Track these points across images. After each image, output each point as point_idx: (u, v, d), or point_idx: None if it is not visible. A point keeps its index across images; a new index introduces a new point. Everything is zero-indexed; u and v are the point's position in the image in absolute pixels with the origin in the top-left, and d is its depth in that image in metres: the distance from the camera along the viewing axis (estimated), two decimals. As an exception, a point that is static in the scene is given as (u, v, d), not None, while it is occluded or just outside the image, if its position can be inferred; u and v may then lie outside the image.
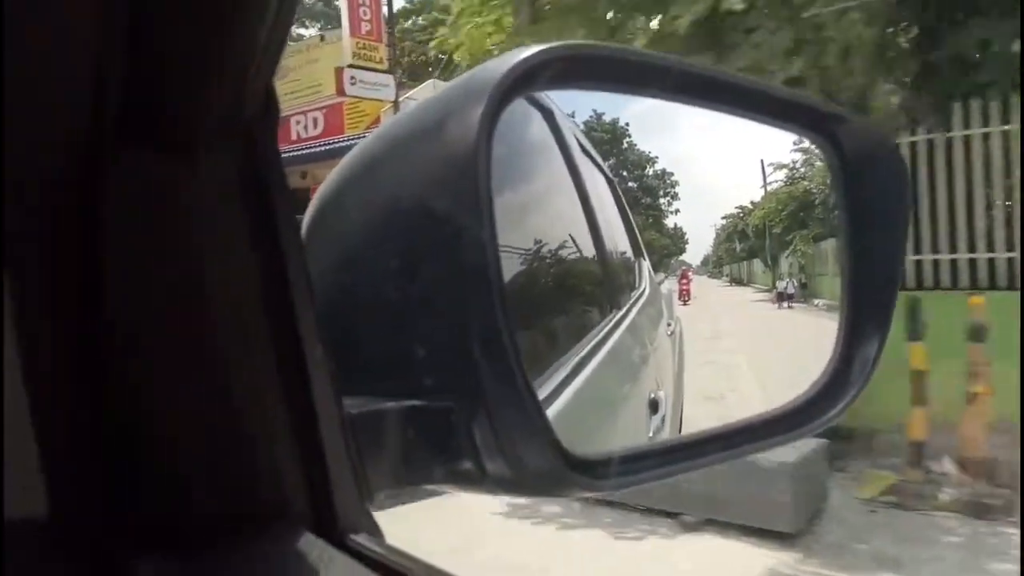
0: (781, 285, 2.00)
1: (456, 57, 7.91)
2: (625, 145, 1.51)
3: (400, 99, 12.99)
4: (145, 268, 0.33)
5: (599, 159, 1.32)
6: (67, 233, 0.31)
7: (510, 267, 0.67)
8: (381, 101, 12.86)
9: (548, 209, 1.03)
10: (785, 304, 2.04)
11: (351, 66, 12.65)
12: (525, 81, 0.46)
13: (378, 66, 13.01)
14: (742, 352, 1.52)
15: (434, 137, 0.47)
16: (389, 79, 13.03)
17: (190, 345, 0.34)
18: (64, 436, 0.33)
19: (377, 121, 12.88)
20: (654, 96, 0.56)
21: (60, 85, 0.29)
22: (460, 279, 0.45)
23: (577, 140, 1.20)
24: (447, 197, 0.46)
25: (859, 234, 0.61)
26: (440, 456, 0.46)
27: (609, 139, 1.43)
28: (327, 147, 13.10)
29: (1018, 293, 4.54)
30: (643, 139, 1.20)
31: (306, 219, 0.52)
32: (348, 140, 13.07)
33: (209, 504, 0.35)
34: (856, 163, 0.60)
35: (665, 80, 0.51)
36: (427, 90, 13.87)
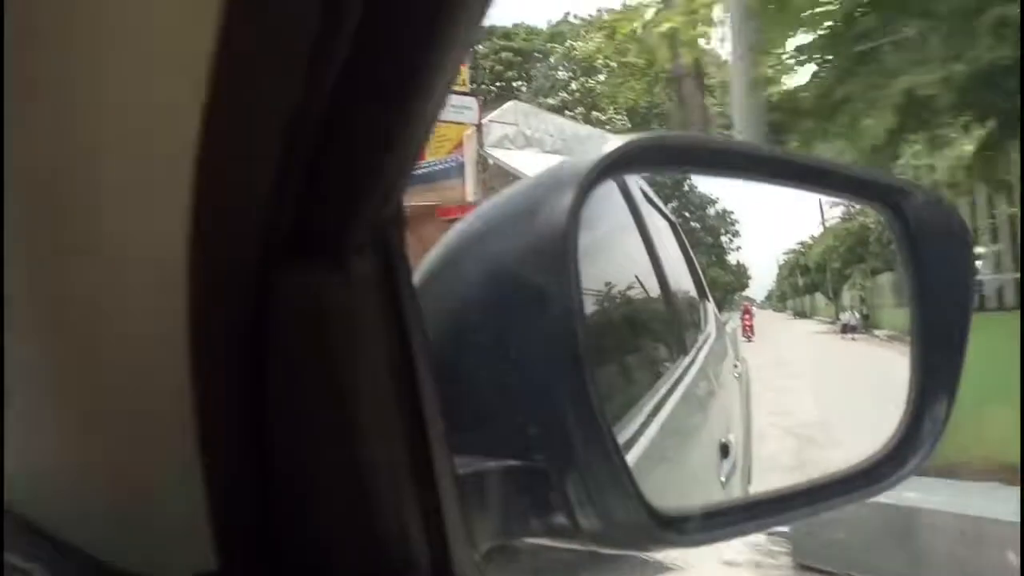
0: (844, 317, 1.99)
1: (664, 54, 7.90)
2: (686, 188, 1.53)
3: (483, 121, 12.29)
4: (300, 359, 0.37)
5: (661, 204, 1.35)
6: (245, 331, 0.36)
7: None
8: (464, 124, 12.06)
9: (614, 256, 1.05)
10: (849, 336, 2.03)
11: (434, 89, 12.25)
12: (611, 169, 0.50)
13: (461, 88, 12.03)
14: (807, 379, 1.53)
15: (530, 219, 0.51)
16: (472, 101, 12.20)
17: (336, 420, 0.39)
18: (228, 499, 0.38)
19: (459, 146, 12.23)
20: (729, 177, 0.59)
21: (250, 212, 0.35)
22: (554, 349, 0.49)
23: (639, 186, 1.23)
24: (541, 273, 0.50)
25: (926, 301, 0.62)
26: (537, 512, 0.49)
27: (672, 183, 1.45)
28: (406, 175, 12.97)
29: None
30: (703, 180, 1.22)
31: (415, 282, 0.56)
32: (429, 167, 12.29)
33: (348, 561, 0.39)
34: (921, 234, 0.62)
35: (735, 162, 0.54)
36: (509, 112, 13.23)
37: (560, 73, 28.55)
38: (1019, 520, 3.14)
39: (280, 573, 0.38)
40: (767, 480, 1.27)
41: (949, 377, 0.61)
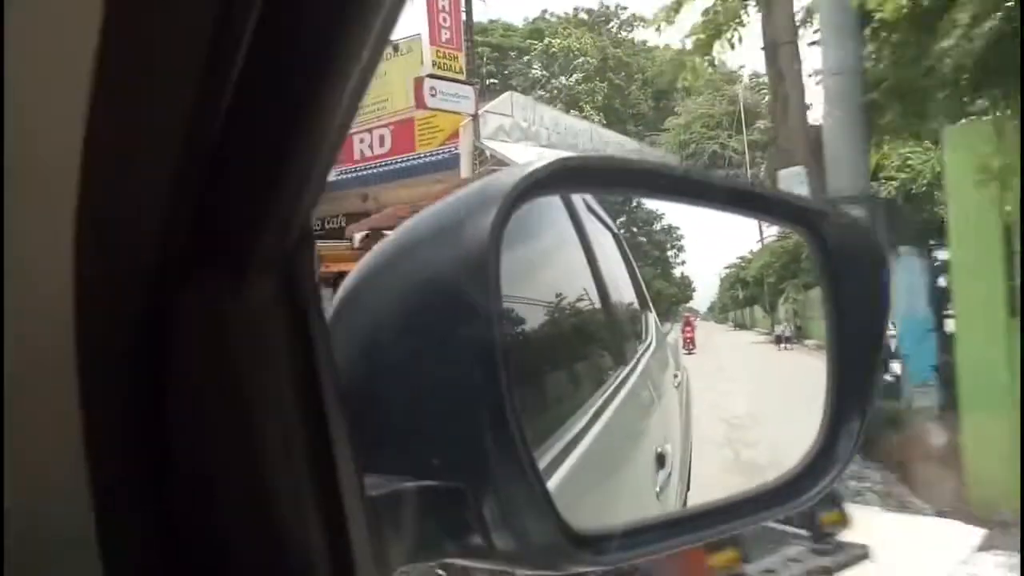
0: (779, 329, 2.03)
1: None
2: (635, 204, 1.53)
3: (479, 112, 11.24)
4: (199, 374, 0.35)
5: (604, 216, 1.34)
6: (138, 346, 0.34)
7: (512, 328, 0.68)
8: (460, 114, 11.06)
9: (553, 269, 1.04)
10: (783, 345, 2.07)
11: (431, 76, 10.79)
12: (533, 189, 0.49)
13: (458, 76, 11.28)
14: (741, 383, 1.58)
15: (453, 236, 0.49)
16: (469, 90, 11.19)
17: (236, 439, 0.36)
18: (120, 520, 0.35)
19: (455, 136, 11.22)
20: (650, 198, 0.58)
21: (142, 223, 0.33)
22: (471, 368, 0.47)
23: (584, 201, 1.21)
24: (462, 292, 0.48)
25: (842, 319, 0.62)
26: (453, 532, 0.47)
27: (621, 200, 1.44)
28: (395, 166, 11.60)
29: None
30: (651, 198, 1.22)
31: (335, 301, 0.53)
32: (420, 158, 11.46)
33: None
34: (839, 254, 0.62)
35: (659, 184, 0.53)
36: (505, 103, 12.36)
37: (535, 71, 28.16)
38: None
39: None
40: (702, 453, 1.34)
41: (863, 395, 0.61)
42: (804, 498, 0.59)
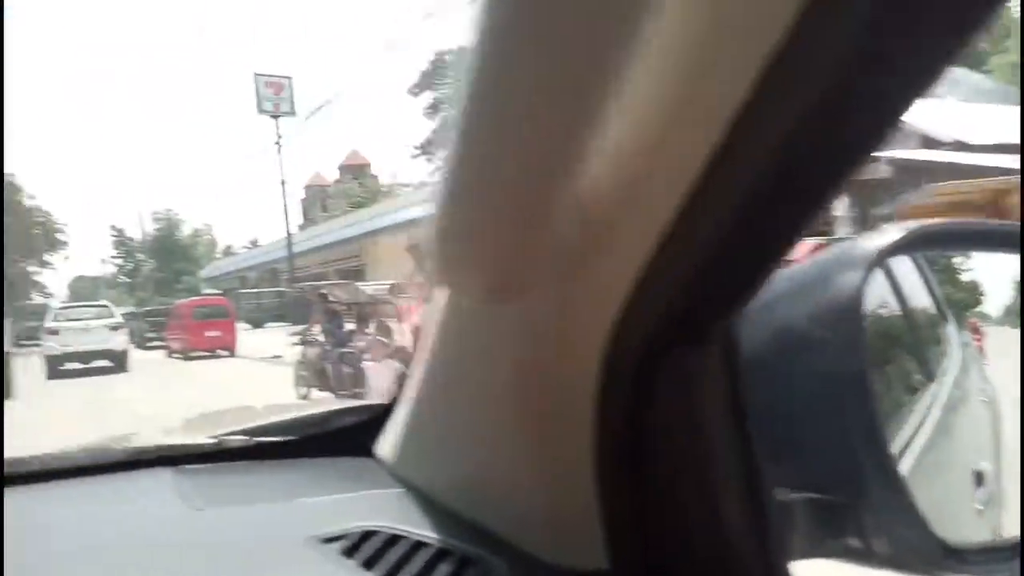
0: (1081, 332, 1.79)
1: None
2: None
3: None
4: (675, 419, 0.46)
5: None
6: (631, 392, 0.46)
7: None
8: None
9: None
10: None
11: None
12: (896, 252, 0.55)
13: None
14: None
15: (823, 290, 0.56)
16: None
17: (697, 462, 0.47)
18: (617, 515, 0.48)
19: None
20: (1005, 253, 0.61)
21: (657, 298, 0.43)
22: (848, 398, 0.54)
23: None
24: (834, 334, 0.55)
25: None
26: (835, 536, 0.54)
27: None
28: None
29: None
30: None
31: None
32: None
33: (704, 569, 0.47)
34: None
35: (1009, 241, 0.56)
36: None
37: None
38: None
39: (654, 573, 0.47)
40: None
41: None
42: None
